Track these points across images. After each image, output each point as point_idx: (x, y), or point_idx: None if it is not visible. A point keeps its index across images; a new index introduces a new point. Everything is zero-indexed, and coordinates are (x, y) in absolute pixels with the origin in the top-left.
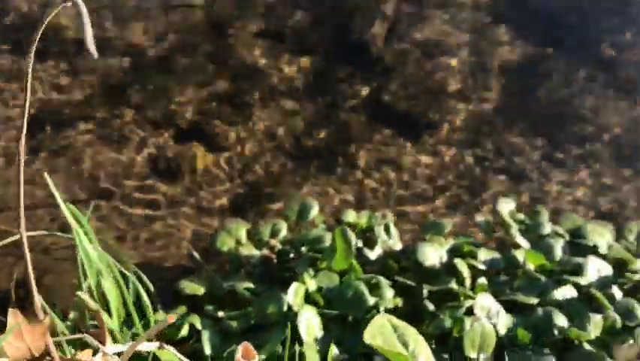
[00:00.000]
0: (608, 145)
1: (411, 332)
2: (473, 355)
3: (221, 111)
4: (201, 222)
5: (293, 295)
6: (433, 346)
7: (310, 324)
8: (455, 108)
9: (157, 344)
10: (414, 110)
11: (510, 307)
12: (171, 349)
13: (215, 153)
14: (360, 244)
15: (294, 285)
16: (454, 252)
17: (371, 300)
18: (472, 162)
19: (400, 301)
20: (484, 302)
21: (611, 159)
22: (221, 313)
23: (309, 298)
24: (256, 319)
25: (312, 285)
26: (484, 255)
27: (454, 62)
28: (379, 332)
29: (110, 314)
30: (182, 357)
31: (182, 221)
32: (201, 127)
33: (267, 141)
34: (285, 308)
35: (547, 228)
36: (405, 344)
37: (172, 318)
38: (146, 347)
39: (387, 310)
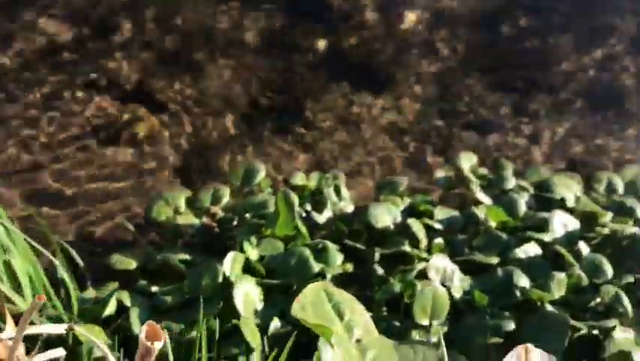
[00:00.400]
0: (580, 94)
1: (347, 301)
2: (425, 321)
3: (167, 71)
4: (145, 191)
5: (230, 266)
6: (384, 313)
7: (248, 296)
8: (419, 61)
9: (64, 326)
10: (375, 64)
11: (469, 268)
12: (82, 331)
13: (160, 115)
14: (309, 207)
15: (231, 254)
16: (409, 212)
17: (316, 267)
18: (438, 117)
19: (350, 267)
20: (439, 264)
21: (582, 108)
22: (154, 288)
23: (249, 268)
24: (190, 292)
25: (253, 254)
26: (441, 213)
27: (417, 13)
28: (311, 301)
29: (23, 296)
30: (93, 339)
31: (124, 190)
32: (146, 88)
33: (218, 102)
34: (221, 279)
35: (511, 182)
36: (340, 315)
37: (42, 298)
38: (53, 329)
39: (336, 277)
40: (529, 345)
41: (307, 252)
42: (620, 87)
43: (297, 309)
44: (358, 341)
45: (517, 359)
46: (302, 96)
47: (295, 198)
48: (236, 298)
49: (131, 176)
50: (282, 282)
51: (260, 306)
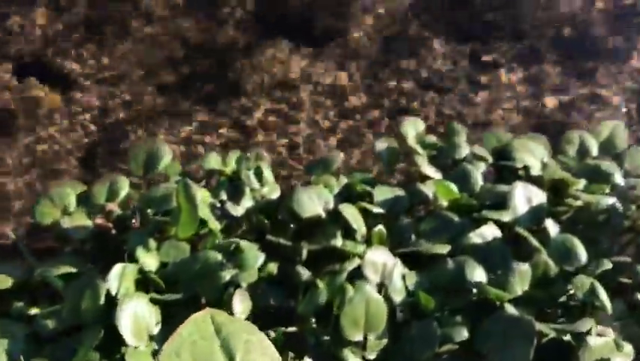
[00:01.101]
0: (545, 44)
1: (243, 334)
2: (357, 336)
3: (73, 41)
4: (44, 182)
5: (116, 281)
6: (314, 325)
7: (139, 318)
8: (363, 13)
9: None
10: (313, 17)
11: (415, 260)
12: None
13: (63, 91)
14: (224, 196)
15: (117, 267)
16: (345, 195)
17: (227, 274)
18: (386, 75)
19: (274, 269)
20: (377, 259)
21: (549, 59)
22: (34, 311)
23: (146, 281)
24: (69, 317)
25: (150, 262)
26: (381, 194)
27: None
28: (191, 341)
29: None
30: None
31: (16, 185)
32: (46, 61)
33: (134, 72)
34: (103, 300)
35: (464, 150)
36: (230, 356)
37: None
38: None
39: (256, 284)
40: None
41: (216, 256)
42: (592, 36)
43: (171, 350)
44: None
45: None
46: (230, 58)
47: (196, 190)
48: (120, 322)
49: (25, 167)
50: (184, 296)
51: (157, 329)
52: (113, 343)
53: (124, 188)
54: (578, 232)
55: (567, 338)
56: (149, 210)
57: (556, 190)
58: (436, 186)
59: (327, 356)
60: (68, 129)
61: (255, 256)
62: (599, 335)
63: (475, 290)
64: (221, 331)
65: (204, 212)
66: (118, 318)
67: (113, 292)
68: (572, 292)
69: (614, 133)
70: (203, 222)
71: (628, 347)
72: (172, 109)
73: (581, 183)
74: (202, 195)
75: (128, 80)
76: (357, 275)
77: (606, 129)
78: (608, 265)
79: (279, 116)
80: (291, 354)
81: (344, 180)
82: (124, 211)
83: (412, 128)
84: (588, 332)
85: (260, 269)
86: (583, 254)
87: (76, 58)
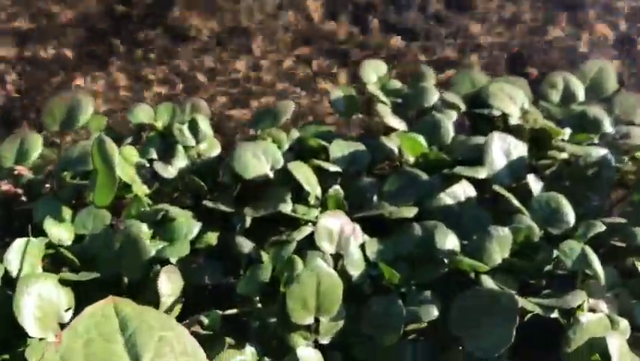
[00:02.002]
0: None
1: (155, 327)
2: (307, 320)
3: None
4: None
5: (16, 259)
6: (258, 305)
7: (46, 304)
8: None
9: None
10: None
11: (377, 226)
12: None
13: None
14: (154, 154)
15: (17, 242)
16: (297, 151)
17: (153, 247)
18: (349, 16)
19: (213, 239)
20: (332, 226)
21: None
22: None
23: (58, 258)
24: None
25: (62, 235)
26: (338, 149)
27: None
28: (87, 340)
29: None
30: None
31: None
32: None
33: (49, 20)
34: (1, 283)
35: (434, 97)
36: (136, 357)
37: None
38: None
39: (188, 258)
40: None
41: (140, 226)
42: None
43: (62, 350)
44: None
45: None
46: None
47: (112, 146)
48: (20, 309)
49: None
50: (102, 275)
51: (68, 316)
52: (16, 334)
53: (36, 147)
54: (564, 189)
55: (554, 314)
56: (65, 174)
57: (539, 141)
58: (401, 140)
59: (274, 342)
60: None
61: (188, 225)
62: (592, 310)
63: (446, 260)
64: (127, 326)
65: (128, 174)
66: (17, 304)
67: (14, 273)
68: (559, 259)
69: (602, 74)
70: (127, 187)
71: (623, 323)
72: (97, 55)
73: (567, 132)
74: (127, 153)
75: (46, 23)
76: (310, 245)
77: (593, 69)
78: (600, 227)
79: (221, 62)
80: (230, 341)
81: (295, 133)
82: (36, 175)
83: (373, 72)
84: (579, 307)
85: (195, 241)
86: (571, 215)
87: None
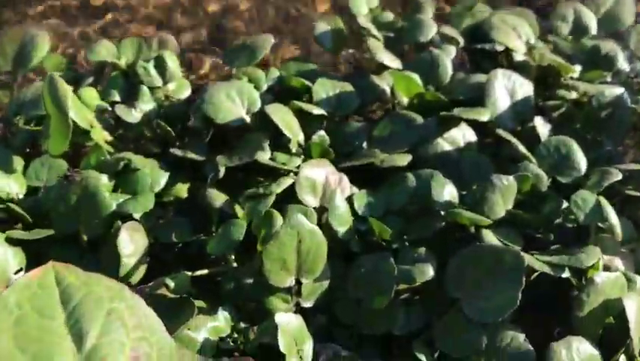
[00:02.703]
0: None
1: (103, 300)
2: (286, 282)
3: None
4: None
5: None
6: (234, 264)
7: None
8: None
9: None
10: None
11: (367, 176)
12: None
13: None
14: (117, 97)
15: None
16: (277, 92)
17: (113, 202)
18: None
19: (184, 191)
20: (315, 176)
21: None
22: None
23: (8, 214)
24: None
25: (13, 186)
26: (323, 90)
27: None
28: (17, 316)
29: None
30: None
31: None
32: None
33: None
34: None
35: (431, 30)
36: (80, 335)
37: None
38: None
39: (154, 213)
40: None
41: (99, 177)
42: None
43: None
44: None
45: None
46: None
47: (64, 87)
48: None
49: None
50: (57, 232)
51: (19, 278)
52: None
53: None
54: (574, 133)
55: (565, 274)
56: (18, 118)
57: (547, 79)
58: (395, 79)
59: (250, 306)
60: None
61: (153, 176)
62: (606, 268)
63: (443, 213)
64: (70, 298)
65: (85, 118)
66: None
67: None
68: (569, 211)
69: (618, 5)
70: (85, 134)
71: None
72: None
73: (577, 69)
74: (86, 95)
75: None
76: (291, 199)
77: (608, 0)
78: (617, 175)
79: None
80: (202, 305)
81: (275, 72)
82: None
83: (364, 3)
84: (593, 266)
85: (162, 194)
86: (582, 162)
87: None
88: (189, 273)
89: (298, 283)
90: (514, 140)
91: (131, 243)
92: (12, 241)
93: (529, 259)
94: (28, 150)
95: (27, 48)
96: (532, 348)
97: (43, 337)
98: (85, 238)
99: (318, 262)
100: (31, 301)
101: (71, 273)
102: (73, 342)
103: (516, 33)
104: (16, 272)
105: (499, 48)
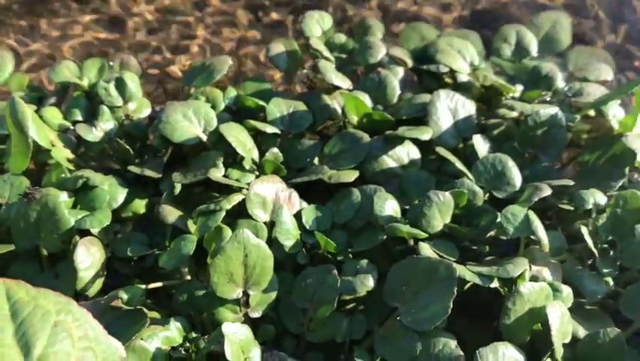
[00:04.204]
0: None
1: (50, 313)
2: (234, 293)
3: None
4: None
5: None
6: (187, 278)
7: None
8: None
9: None
10: None
11: (316, 190)
12: None
13: None
14: (79, 116)
15: None
16: (233, 111)
17: (72, 218)
18: None
19: (141, 207)
20: (265, 192)
21: None
22: None
23: None
24: None
25: None
26: (277, 109)
27: None
28: None
29: None
30: None
31: None
32: None
33: None
34: None
35: (379, 52)
36: (28, 347)
37: None
38: None
39: (110, 228)
40: None
41: (58, 193)
42: None
43: None
44: None
45: None
46: None
47: (24, 109)
48: None
49: None
50: (18, 248)
51: None
52: None
53: None
54: (512, 150)
55: (494, 284)
56: None
57: (489, 99)
58: (345, 99)
59: (203, 316)
60: None
61: (111, 192)
62: (534, 278)
63: (382, 229)
64: (18, 313)
65: (46, 137)
66: None
67: None
68: (504, 227)
69: (556, 27)
70: (47, 152)
71: (567, 291)
72: (23, 5)
73: (518, 89)
74: (48, 115)
75: None
76: (243, 214)
77: (547, 22)
78: (546, 190)
79: (158, 12)
80: (155, 315)
81: (232, 92)
82: None
83: (317, 25)
84: (520, 276)
85: (122, 208)
86: (517, 178)
87: None
88: (143, 286)
89: (246, 294)
90: (452, 157)
91: (88, 257)
92: None
93: (461, 270)
94: None
95: None
96: (462, 353)
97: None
98: (45, 252)
99: (264, 274)
100: None
101: (21, 288)
102: (22, 353)
103: (461, 55)
104: None
105: (444, 69)
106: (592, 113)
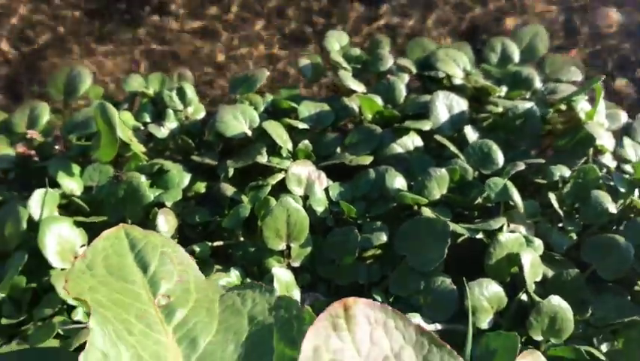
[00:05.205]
0: None
1: (156, 246)
2: (280, 246)
3: None
4: None
5: (37, 206)
6: (241, 238)
7: (64, 242)
8: None
9: None
10: None
11: (340, 172)
12: None
13: None
14: (148, 118)
15: (38, 191)
16: (271, 112)
17: (151, 194)
18: None
19: (201, 188)
20: (300, 172)
21: None
22: None
23: (70, 206)
24: None
25: (73, 187)
26: (306, 110)
27: None
28: (104, 255)
29: None
30: None
31: None
32: None
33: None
34: (26, 225)
35: (388, 62)
36: (144, 266)
37: None
38: None
39: (183, 202)
40: (349, 300)
41: (139, 177)
42: None
43: (75, 274)
44: (167, 298)
45: (330, 322)
46: None
47: (113, 111)
48: (44, 245)
49: None
50: (109, 218)
51: (82, 251)
52: (39, 267)
53: (45, 114)
54: (497, 138)
55: (481, 236)
56: (71, 136)
57: (479, 98)
58: (361, 100)
59: (254, 268)
60: None
61: (179, 176)
62: (511, 232)
63: (393, 198)
64: (135, 245)
65: (126, 134)
66: (42, 240)
67: (36, 217)
68: (487, 193)
69: (535, 39)
70: (126, 146)
71: (538, 242)
72: (93, 31)
73: (502, 90)
74: (124, 117)
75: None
76: (283, 190)
77: (527, 35)
78: (521, 166)
79: (204, 34)
80: (218, 267)
81: (270, 97)
82: (46, 138)
83: (336, 41)
84: (500, 229)
85: (187, 189)
86: (500, 158)
87: None
88: (209, 243)
89: (288, 248)
90: (448, 143)
91: (166, 223)
92: (77, 224)
93: (453, 226)
94: (80, 160)
95: (74, 82)
96: (455, 288)
97: (122, 268)
98: (130, 222)
99: (302, 231)
100: (112, 246)
101: (135, 229)
102: (140, 270)
103: (456, 63)
104: (81, 246)
105: (442, 75)
106: (565, 108)
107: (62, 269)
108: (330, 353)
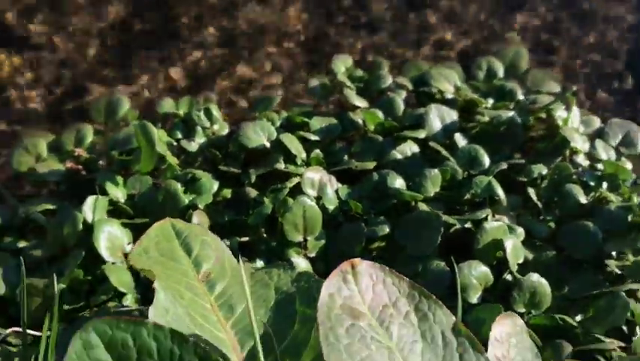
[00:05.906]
0: None
1: (197, 234)
2: (298, 238)
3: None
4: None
5: (90, 210)
6: (264, 235)
7: (114, 239)
8: None
9: None
10: None
11: (347, 176)
12: None
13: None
14: (180, 135)
15: (90, 198)
16: (286, 126)
17: (186, 198)
18: (322, 15)
19: (228, 193)
20: (313, 176)
21: None
22: (22, 244)
23: (117, 211)
24: (53, 245)
25: (118, 194)
26: (317, 123)
27: None
28: (156, 242)
29: None
30: None
31: None
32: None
33: (82, 34)
34: (81, 227)
35: (387, 80)
36: (189, 250)
37: None
38: None
39: (213, 205)
40: (356, 260)
41: (176, 184)
42: None
43: (136, 254)
44: (208, 274)
45: (341, 276)
46: (173, 9)
47: (153, 129)
48: (98, 242)
49: None
50: (150, 219)
51: (129, 248)
52: (94, 262)
53: (89, 135)
54: (483, 143)
55: (469, 225)
56: (113, 152)
57: (468, 109)
58: (364, 114)
59: (275, 258)
60: (31, 87)
61: (209, 183)
62: (496, 221)
63: (393, 196)
64: (180, 234)
65: (162, 149)
66: (95, 239)
67: (89, 220)
68: (474, 190)
69: (517, 56)
70: (162, 158)
71: (520, 230)
72: (127, 62)
73: (489, 102)
74: (159, 135)
75: (81, 39)
76: (298, 192)
77: (510, 53)
78: (503, 165)
79: (224, 60)
80: (244, 258)
81: (284, 113)
82: (90, 155)
83: (342, 64)
84: (485, 219)
85: (215, 195)
86: (486, 160)
87: (31, 18)
88: (238, 238)
89: (305, 240)
90: (440, 148)
91: (199, 222)
92: (123, 225)
93: (445, 218)
94: (122, 172)
95: (114, 107)
96: (448, 269)
97: (171, 251)
98: None
99: (317, 226)
100: (162, 234)
101: (180, 222)
102: (186, 253)
103: (447, 80)
104: (128, 244)
105: (435, 90)
106: (545, 116)
107: (113, 263)
108: (341, 299)
